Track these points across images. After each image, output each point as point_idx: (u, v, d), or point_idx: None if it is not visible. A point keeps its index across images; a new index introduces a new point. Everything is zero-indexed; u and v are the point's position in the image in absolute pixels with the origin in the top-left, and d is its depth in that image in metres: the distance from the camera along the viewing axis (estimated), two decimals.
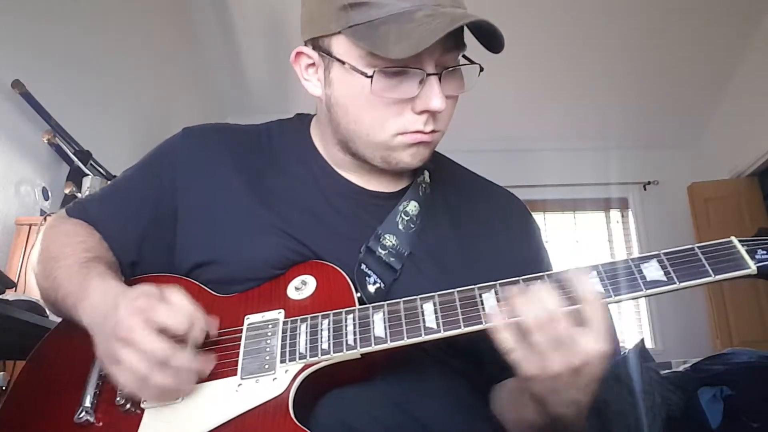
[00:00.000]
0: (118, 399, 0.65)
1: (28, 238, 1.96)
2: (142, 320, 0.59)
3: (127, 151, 2.80)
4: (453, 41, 0.69)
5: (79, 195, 2.15)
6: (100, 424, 0.66)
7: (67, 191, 2.17)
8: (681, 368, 2.51)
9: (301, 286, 0.72)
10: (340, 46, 0.71)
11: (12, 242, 1.98)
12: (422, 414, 0.67)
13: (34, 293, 1.82)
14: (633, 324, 4.66)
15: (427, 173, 0.86)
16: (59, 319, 0.80)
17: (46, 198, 2.20)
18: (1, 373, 1.56)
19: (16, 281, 1.72)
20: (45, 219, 2.00)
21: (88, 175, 2.24)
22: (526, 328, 0.58)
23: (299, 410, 0.62)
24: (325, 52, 0.73)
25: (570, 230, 4.89)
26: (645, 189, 4.91)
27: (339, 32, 0.70)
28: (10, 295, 1.55)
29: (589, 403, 0.63)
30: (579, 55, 3.96)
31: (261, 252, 0.75)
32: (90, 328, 0.66)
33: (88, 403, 0.66)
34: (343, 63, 0.71)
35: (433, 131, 0.73)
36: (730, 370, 2.25)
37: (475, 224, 0.83)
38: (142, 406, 0.65)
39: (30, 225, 1.99)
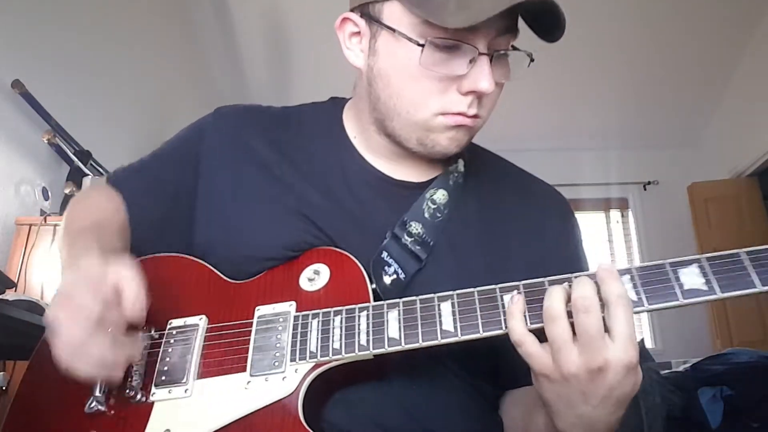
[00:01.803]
0: (127, 391, 0.66)
1: (28, 238, 1.96)
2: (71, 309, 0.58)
3: (127, 151, 2.79)
4: (509, 24, 0.67)
5: None
6: (112, 412, 0.66)
7: (67, 191, 2.17)
8: (681, 368, 2.51)
9: (314, 277, 0.70)
10: (392, 12, 0.68)
11: (12, 242, 1.98)
12: (431, 424, 0.66)
13: (34, 293, 1.82)
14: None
15: (461, 162, 0.82)
16: None
17: (46, 198, 2.20)
18: (1, 373, 1.56)
19: (16, 281, 1.72)
20: (45, 219, 2.00)
21: (88, 175, 2.24)
22: (550, 314, 0.54)
23: (307, 409, 0.61)
24: (374, 20, 0.70)
25: None
26: (645, 189, 4.91)
27: None
28: (10, 295, 1.55)
29: None
30: (579, 54, 3.95)
31: (277, 234, 0.73)
32: None
33: (98, 392, 0.66)
34: (393, 31, 0.68)
35: (475, 116, 0.70)
36: (730, 370, 2.25)
37: (506, 222, 0.79)
38: (151, 398, 0.65)
39: (30, 225, 1.99)
